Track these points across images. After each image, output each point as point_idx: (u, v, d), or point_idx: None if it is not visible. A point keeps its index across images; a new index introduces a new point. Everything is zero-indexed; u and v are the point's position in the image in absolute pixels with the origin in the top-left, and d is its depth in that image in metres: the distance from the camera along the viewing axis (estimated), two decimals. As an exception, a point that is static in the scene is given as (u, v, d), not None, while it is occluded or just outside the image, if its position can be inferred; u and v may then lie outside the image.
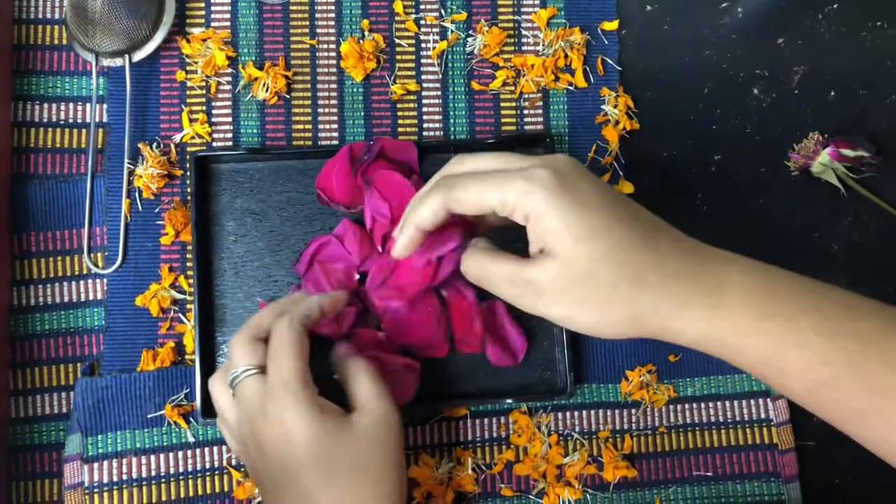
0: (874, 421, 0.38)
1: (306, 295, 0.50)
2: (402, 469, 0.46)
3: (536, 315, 0.41)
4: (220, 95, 0.58)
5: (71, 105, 0.57)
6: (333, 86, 0.58)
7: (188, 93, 0.57)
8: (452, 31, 0.59)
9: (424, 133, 0.59)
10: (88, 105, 0.57)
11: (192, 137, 0.57)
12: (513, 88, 0.59)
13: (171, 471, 0.54)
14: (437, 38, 0.59)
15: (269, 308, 0.48)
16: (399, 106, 0.59)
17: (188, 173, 0.56)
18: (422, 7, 0.59)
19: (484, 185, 0.40)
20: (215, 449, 0.54)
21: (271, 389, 0.43)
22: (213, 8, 0.58)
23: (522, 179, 0.38)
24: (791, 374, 0.38)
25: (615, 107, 0.59)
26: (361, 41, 0.58)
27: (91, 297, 0.56)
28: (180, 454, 0.54)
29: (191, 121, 0.57)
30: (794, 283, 0.39)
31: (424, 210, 0.42)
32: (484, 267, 0.42)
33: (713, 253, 0.40)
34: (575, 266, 0.38)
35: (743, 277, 0.39)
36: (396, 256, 0.45)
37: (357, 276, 0.54)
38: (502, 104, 0.59)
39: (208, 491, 0.54)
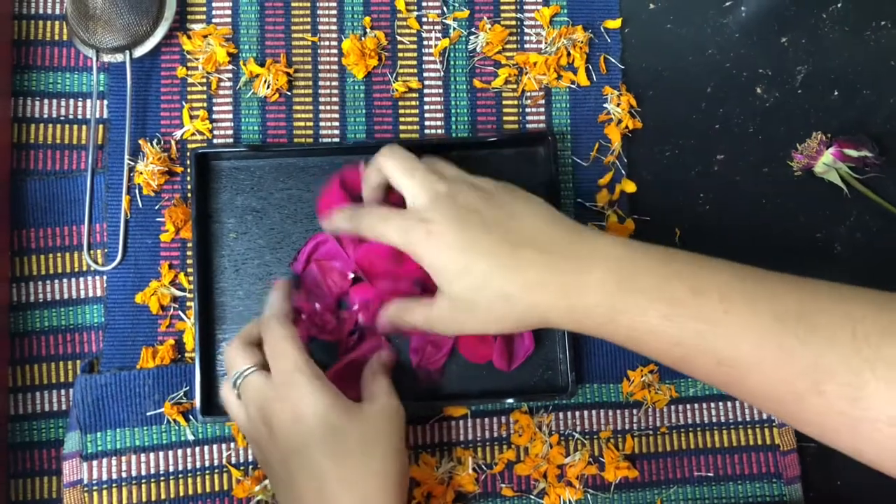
0: (731, 388, 0.43)
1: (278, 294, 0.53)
2: (405, 456, 0.48)
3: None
4: (220, 92, 0.57)
5: (71, 101, 0.57)
6: (335, 83, 0.58)
7: (189, 89, 0.57)
8: (454, 29, 0.59)
9: (426, 131, 0.58)
10: (89, 101, 0.57)
11: (193, 134, 0.57)
12: (515, 86, 0.59)
13: (171, 469, 0.53)
14: (439, 35, 0.59)
15: (255, 320, 0.51)
16: (401, 104, 0.58)
17: (189, 170, 0.56)
18: (424, 4, 0.59)
19: (377, 228, 0.47)
20: (215, 447, 0.54)
21: (281, 376, 0.46)
22: (214, 4, 0.58)
23: (400, 233, 0.46)
24: (653, 354, 0.44)
25: (618, 105, 0.59)
26: (363, 38, 0.58)
27: (91, 294, 0.56)
28: (180, 452, 0.54)
29: (191, 117, 0.57)
30: (647, 271, 0.43)
31: (335, 226, 0.52)
32: (403, 313, 0.49)
33: (580, 250, 0.44)
34: (457, 300, 0.45)
35: (597, 274, 0.43)
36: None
37: (351, 276, 0.54)
38: (504, 102, 0.59)
39: (208, 489, 0.54)
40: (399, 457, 0.47)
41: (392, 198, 0.51)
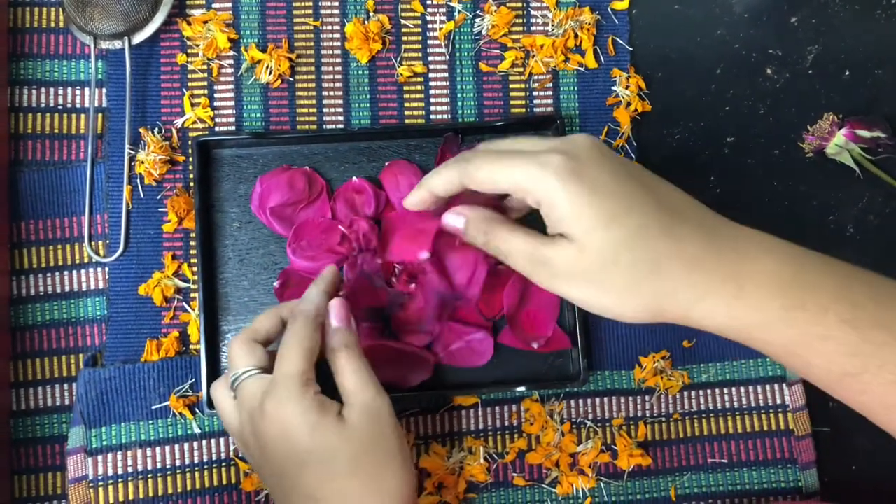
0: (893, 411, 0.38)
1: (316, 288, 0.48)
2: (400, 457, 0.44)
3: (550, 292, 0.40)
4: (222, 79, 0.56)
5: (69, 89, 0.56)
6: (338, 68, 0.57)
7: (189, 76, 0.56)
8: (459, 12, 0.58)
9: (432, 116, 0.57)
10: (87, 89, 0.56)
11: (195, 122, 0.56)
12: (522, 70, 0.58)
13: (177, 463, 0.52)
14: (443, 18, 0.58)
15: (270, 311, 0.48)
16: (406, 88, 0.57)
17: (191, 159, 0.55)
18: (428, -13, 0.58)
19: (497, 165, 0.39)
20: (222, 440, 0.53)
21: (272, 386, 0.43)
22: (213, -11, 0.57)
23: (535, 165, 0.38)
24: (817, 364, 0.38)
25: (626, 88, 0.58)
26: (366, 22, 0.57)
27: (92, 286, 0.55)
28: (186, 446, 0.53)
29: (192, 105, 0.56)
30: (821, 269, 0.38)
31: (438, 179, 0.42)
32: (499, 235, 0.41)
33: (739, 235, 0.39)
34: (591, 254, 0.37)
35: (770, 264, 0.38)
36: (406, 207, 0.44)
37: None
38: (511, 86, 0.58)
39: (215, 483, 0.53)
40: (392, 463, 0.44)
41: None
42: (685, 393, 0.56)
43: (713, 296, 0.37)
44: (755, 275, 0.37)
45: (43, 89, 0.55)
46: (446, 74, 0.57)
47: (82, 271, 0.55)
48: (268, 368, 0.45)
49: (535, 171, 0.37)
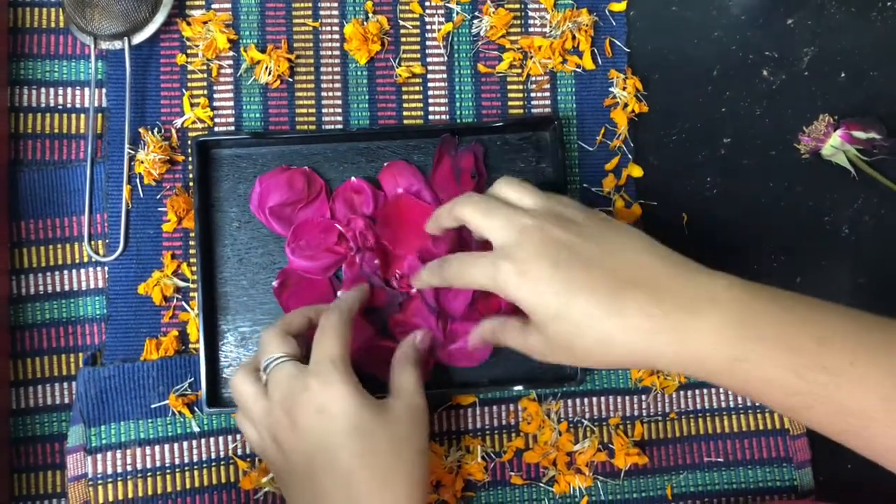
0: (847, 437, 0.40)
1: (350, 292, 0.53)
2: (428, 457, 0.48)
3: None
4: (221, 79, 0.57)
5: (69, 90, 0.56)
6: (337, 69, 0.57)
7: (189, 76, 0.56)
8: (458, 13, 0.58)
9: (430, 117, 0.58)
10: (87, 89, 0.56)
11: (194, 122, 0.56)
12: (520, 71, 0.58)
13: (176, 461, 0.53)
14: (442, 19, 0.58)
15: (298, 311, 0.51)
16: (404, 89, 0.58)
17: (190, 158, 0.55)
18: (426, -12, 0.58)
19: (468, 270, 0.46)
20: (220, 439, 0.53)
21: (315, 367, 0.46)
22: (213, -11, 0.57)
23: (490, 275, 0.44)
24: (766, 402, 0.42)
25: (623, 89, 0.58)
26: (365, 23, 0.57)
27: (92, 285, 0.55)
28: (185, 444, 0.53)
29: (192, 105, 0.56)
30: (767, 315, 0.40)
31: (424, 282, 0.50)
32: (498, 336, 0.48)
33: (685, 288, 0.41)
34: (553, 341, 0.43)
35: (714, 319, 0.40)
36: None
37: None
38: (509, 87, 0.58)
39: (214, 481, 0.53)
40: (424, 459, 0.47)
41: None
42: (681, 392, 0.57)
43: (663, 356, 0.41)
44: (699, 332, 0.40)
45: (43, 89, 0.56)
46: (445, 75, 0.58)
47: (82, 270, 0.55)
48: (300, 359, 0.47)
49: (492, 283, 0.44)
